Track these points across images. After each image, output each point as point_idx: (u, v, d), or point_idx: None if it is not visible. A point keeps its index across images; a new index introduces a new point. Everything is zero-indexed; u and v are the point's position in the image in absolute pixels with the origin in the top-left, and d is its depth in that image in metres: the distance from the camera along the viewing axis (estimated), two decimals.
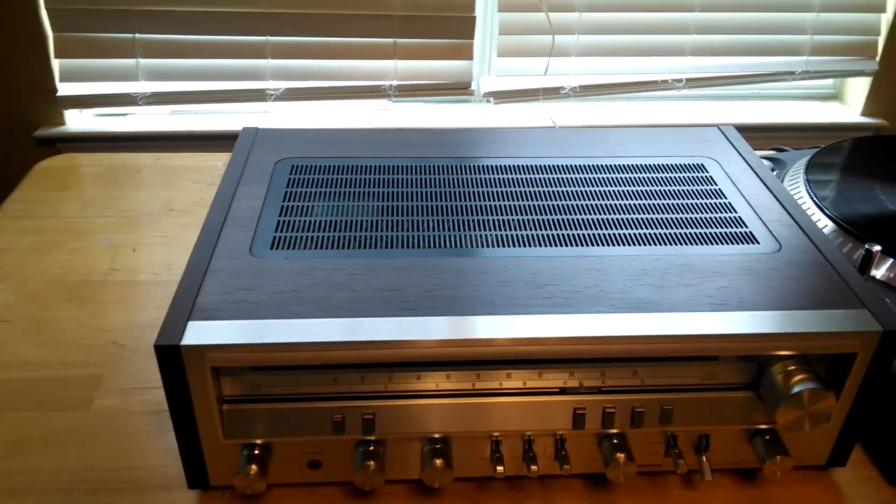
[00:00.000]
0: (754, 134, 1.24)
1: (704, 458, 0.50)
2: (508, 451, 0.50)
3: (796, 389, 0.46)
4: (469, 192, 0.60)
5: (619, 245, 0.54)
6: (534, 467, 0.49)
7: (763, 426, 0.50)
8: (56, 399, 0.58)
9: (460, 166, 0.63)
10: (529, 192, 0.60)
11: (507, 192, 0.60)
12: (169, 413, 0.47)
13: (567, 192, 0.60)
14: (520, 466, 0.51)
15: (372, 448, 0.48)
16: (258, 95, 1.36)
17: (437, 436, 0.49)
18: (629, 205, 0.59)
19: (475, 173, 0.63)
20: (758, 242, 0.55)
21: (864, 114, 1.50)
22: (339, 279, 0.50)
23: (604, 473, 0.50)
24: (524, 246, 0.54)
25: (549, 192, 0.60)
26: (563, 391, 0.48)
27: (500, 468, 0.49)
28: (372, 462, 0.48)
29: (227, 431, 0.47)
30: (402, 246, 0.53)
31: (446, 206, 0.58)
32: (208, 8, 1.29)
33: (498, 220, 0.57)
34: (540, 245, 0.54)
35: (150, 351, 0.62)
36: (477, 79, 1.41)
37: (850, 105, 1.53)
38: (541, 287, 0.49)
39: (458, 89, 1.38)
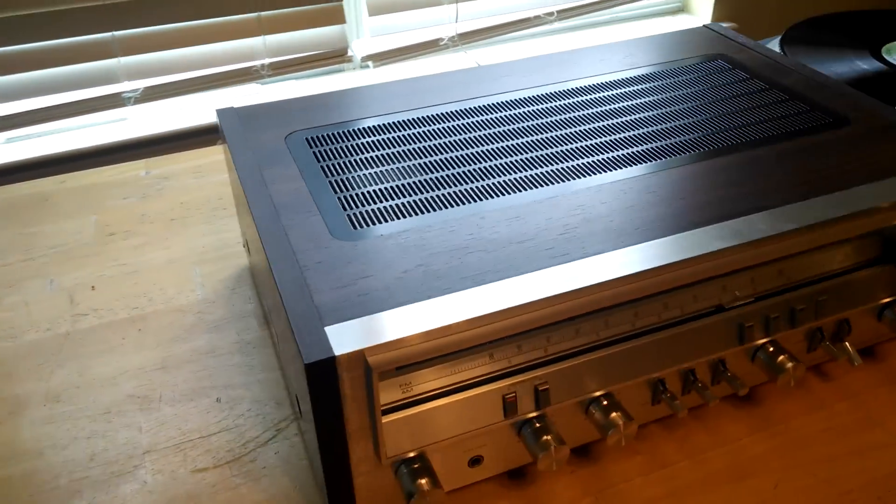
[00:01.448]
0: None
1: (848, 344, 0.49)
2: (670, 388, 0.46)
3: None
4: (495, 132, 0.54)
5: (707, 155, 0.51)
6: (708, 391, 0.45)
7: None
8: None
9: (467, 110, 0.57)
10: (567, 118, 0.55)
11: (532, 125, 0.55)
12: (309, 449, 0.38)
13: (599, 112, 0.56)
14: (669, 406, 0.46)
15: (539, 425, 0.42)
16: (113, 101, 1.18)
17: (598, 393, 0.43)
18: (681, 110, 0.56)
19: (489, 112, 0.57)
20: (829, 120, 0.54)
21: (714, 20, 1.59)
22: (457, 242, 0.43)
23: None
24: (600, 172, 0.49)
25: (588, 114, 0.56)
26: (719, 309, 0.45)
27: (677, 403, 0.45)
28: (549, 437, 0.41)
29: (390, 446, 0.39)
30: (466, 201, 0.46)
31: (477, 152, 0.52)
32: (29, 10, 1.10)
33: (555, 152, 0.51)
34: (624, 167, 0.49)
35: (192, 398, 0.51)
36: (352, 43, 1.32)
37: (697, 14, 1.61)
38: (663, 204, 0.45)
39: (335, 57, 1.29)
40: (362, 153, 0.52)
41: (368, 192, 0.48)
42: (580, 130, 0.54)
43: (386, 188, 0.48)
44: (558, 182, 0.48)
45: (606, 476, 0.45)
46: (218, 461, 0.47)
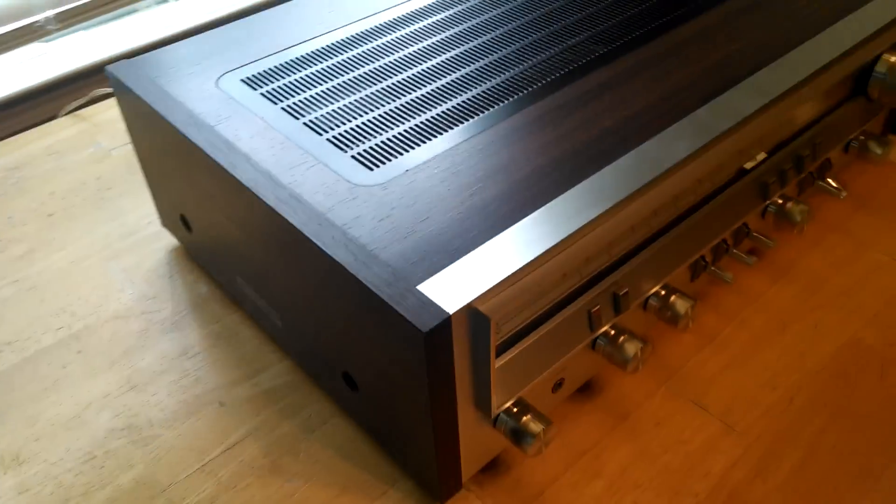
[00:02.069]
0: None
1: (830, 179, 0.51)
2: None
3: None
4: (433, 43, 0.49)
5: None
6: (741, 255, 0.45)
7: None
8: None
9: (386, 24, 0.51)
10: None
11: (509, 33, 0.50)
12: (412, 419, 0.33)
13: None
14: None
15: (614, 332, 0.40)
16: None
17: (658, 286, 0.42)
18: None
19: (407, 24, 0.51)
20: None
21: None
22: (495, 162, 0.38)
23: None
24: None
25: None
26: (741, 174, 0.44)
27: (722, 273, 0.44)
28: (631, 340, 0.39)
29: (499, 395, 0.35)
30: (463, 119, 0.41)
31: (437, 65, 0.47)
32: None
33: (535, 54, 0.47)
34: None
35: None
36: None
37: None
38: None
39: None
40: (317, 84, 0.44)
41: (355, 127, 0.41)
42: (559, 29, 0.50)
43: (372, 119, 0.42)
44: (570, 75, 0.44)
45: (667, 364, 0.44)
46: (256, 471, 0.40)
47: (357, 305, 0.33)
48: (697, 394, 0.43)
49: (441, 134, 0.40)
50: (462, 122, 0.41)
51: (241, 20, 0.51)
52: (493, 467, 0.40)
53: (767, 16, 0.48)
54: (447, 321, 0.30)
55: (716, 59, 0.44)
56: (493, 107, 0.42)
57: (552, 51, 0.46)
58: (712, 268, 0.45)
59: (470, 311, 0.31)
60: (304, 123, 0.41)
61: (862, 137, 0.52)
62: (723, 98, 0.41)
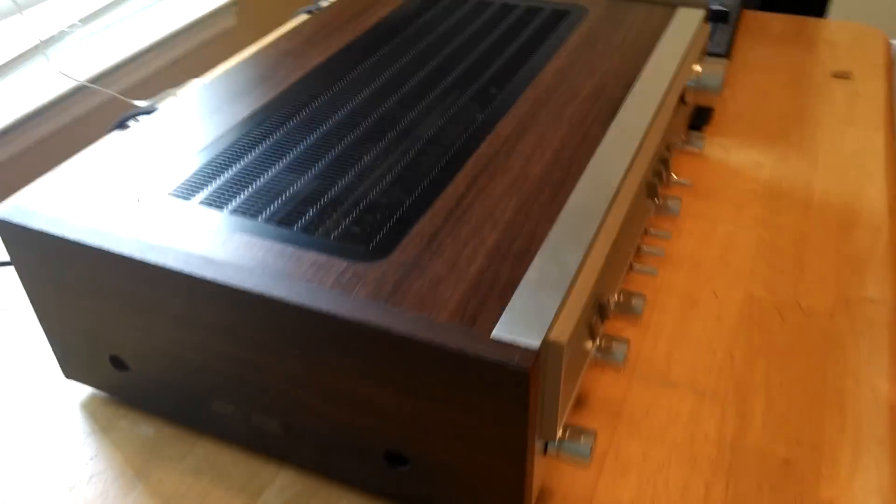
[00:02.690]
0: None
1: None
2: None
3: None
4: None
5: None
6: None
7: None
8: None
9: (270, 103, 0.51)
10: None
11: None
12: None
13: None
14: None
15: (602, 340, 0.44)
16: None
17: None
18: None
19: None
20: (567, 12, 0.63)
21: None
22: (482, 214, 0.40)
23: None
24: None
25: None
26: None
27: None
28: (612, 340, 0.44)
29: (562, 416, 0.37)
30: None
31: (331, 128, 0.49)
32: None
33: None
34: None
35: None
36: None
37: None
38: None
39: None
40: (251, 180, 0.43)
41: (318, 209, 0.41)
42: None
43: (340, 199, 0.42)
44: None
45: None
46: None
47: (423, 373, 0.34)
48: (662, 376, 0.49)
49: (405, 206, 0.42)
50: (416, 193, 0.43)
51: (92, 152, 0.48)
52: (540, 499, 0.42)
53: (596, 54, 0.56)
54: (537, 354, 0.32)
55: (582, 104, 0.51)
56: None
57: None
58: (637, 265, 0.51)
59: (545, 342, 0.33)
60: (264, 220, 0.40)
61: (684, 136, 0.62)
62: (613, 130, 0.48)
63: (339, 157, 0.45)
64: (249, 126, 0.48)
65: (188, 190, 0.43)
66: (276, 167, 0.44)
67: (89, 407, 0.48)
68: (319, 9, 1.01)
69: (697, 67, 0.59)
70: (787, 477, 0.43)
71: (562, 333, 0.33)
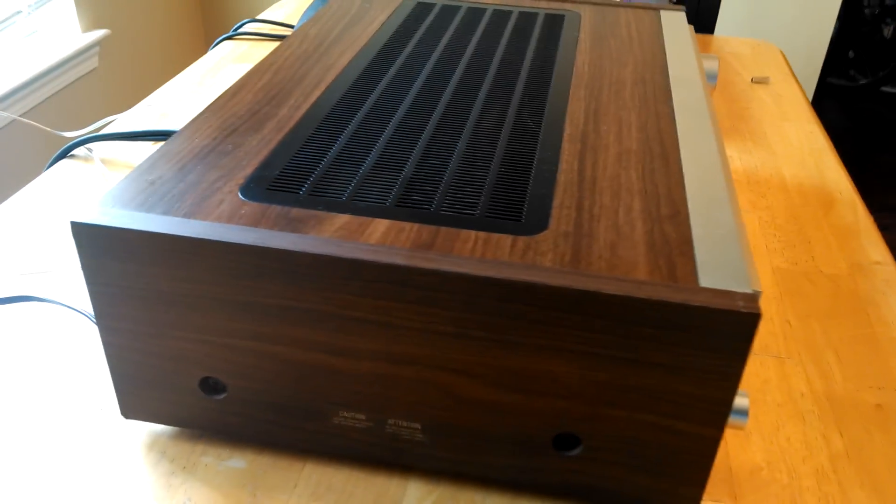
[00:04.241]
0: None
1: None
2: None
3: None
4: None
5: None
6: None
7: None
8: None
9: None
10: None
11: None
12: None
13: None
14: None
15: None
16: None
17: None
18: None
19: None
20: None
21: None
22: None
23: None
24: None
25: None
26: None
27: None
28: None
29: None
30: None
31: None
32: None
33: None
34: None
35: None
36: None
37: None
38: None
39: None
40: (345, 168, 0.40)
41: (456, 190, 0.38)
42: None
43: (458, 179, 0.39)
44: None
45: None
46: None
47: (624, 336, 0.32)
48: None
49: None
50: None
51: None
52: None
53: (615, 48, 0.58)
54: (758, 298, 0.32)
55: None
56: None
57: None
58: None
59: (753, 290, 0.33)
60: (393, 203, 0.37)
61: None
62: (679, 109, 0.49)
63: (433, 143, 0.43)
64: (318, 118, 0.45)
65: (290, 182, 0.39)
66: (374, 154, 0.41)
67: (157, 447, 0.41)
68: (241, 32, 0.97)
69: None
70: (886, 420, 0.45)
71: (755, 283, 0.33)
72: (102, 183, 0.64)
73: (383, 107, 0.47)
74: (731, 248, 0.35)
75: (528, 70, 0.53)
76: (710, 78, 0.62)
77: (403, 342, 0.35)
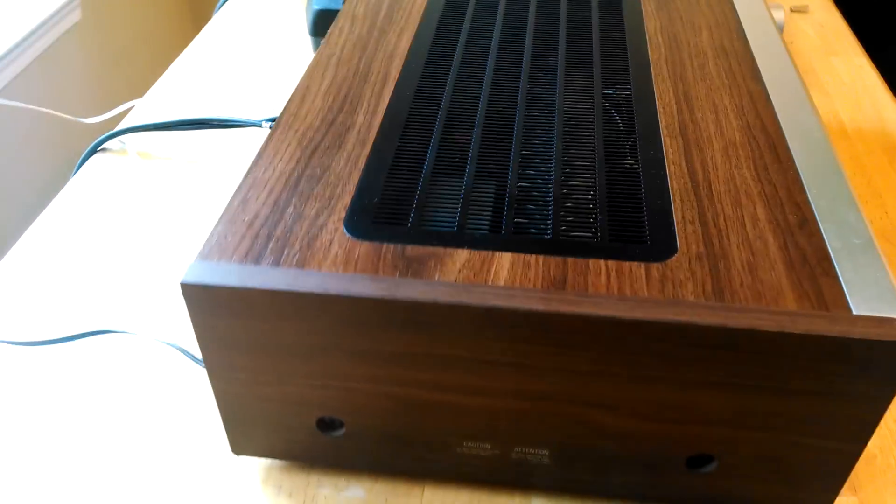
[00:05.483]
0: None
1: None
2: None
3: None
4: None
5: None
6: None
7: None
8: None
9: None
10: None
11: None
12: None
13: None
14: None
15: None
16: None
17: None
18: None
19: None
20: None
21: None
22: None
23: None
24: None
25: None
26: None
27: None
28: None
29: None
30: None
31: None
32: None
33: None
34: None
35: None
36: None
37: None
38: None
39: None
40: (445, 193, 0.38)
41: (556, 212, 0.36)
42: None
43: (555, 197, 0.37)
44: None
45: None
46: None
47: (775, 367, 0.31)
48: None
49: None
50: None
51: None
52: None
53: (681, 8, 0.55)
54: None
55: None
56: None
57: None
58: None
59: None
60: (505, 234, 0.35)
61: None
62: (770, 84, 0.47)
63: (526, 146, 0.41)
64: (399, 124, 0.42)
65: (394, 210, 0.37)
66: (470, 167, 0.39)
67: (272, 481, 0.40)
68: None
69: None
70: None
71: None
72: (144, 180, 0.61)
73: (462, 104, 0.44)
74: (873, 261, 0.33)
75: (600, 44, 0.50)
76: (780, 28, 0.59)
77: (537, 381, 0.34)
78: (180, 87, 0.74)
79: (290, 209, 0.37)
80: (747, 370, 0.32)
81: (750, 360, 0.32)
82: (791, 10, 0.86)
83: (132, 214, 0.58)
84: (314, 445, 0.39)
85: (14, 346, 0.48)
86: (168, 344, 0.46)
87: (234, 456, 0.41)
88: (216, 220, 0.57)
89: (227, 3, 0.90)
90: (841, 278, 0.33)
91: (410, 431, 0.37)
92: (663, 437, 0.35)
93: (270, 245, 0.35)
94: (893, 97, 0.71)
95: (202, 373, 0.46)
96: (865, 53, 0.78)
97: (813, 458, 0.35)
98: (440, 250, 0.34)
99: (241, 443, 0.39)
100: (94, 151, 0.65)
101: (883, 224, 0.57)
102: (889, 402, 0.32)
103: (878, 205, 0.59)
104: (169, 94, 0.72)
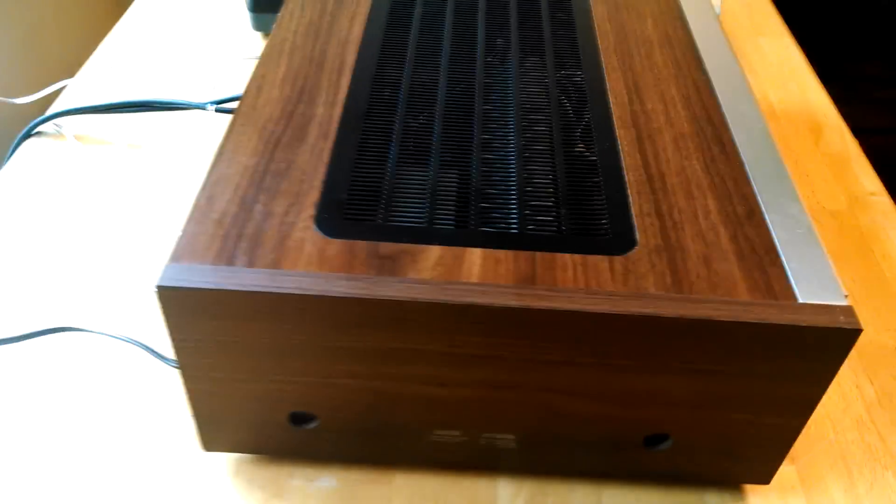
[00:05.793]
0: None
1: None
2: None
3: None
4: None
5: None
6: None
7: None
8: None
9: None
10: None
11: None
12: None
13: None
14: None
15: None
16: None
17: None
18: None
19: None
20: None
21: None
22: None
23: None
24: None
25: None
26: None
27: None
28: None
29: None
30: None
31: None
32: None
33: None
34: None
35: None
36: None
37: None
38: None
39: None
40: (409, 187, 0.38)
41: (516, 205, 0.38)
42: None
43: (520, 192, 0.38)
44: None
45: None
46: None
47: (729, 352, 0.34)
48: None
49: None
50: None
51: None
52: None
53: None
54: (852, 311, 0.33)
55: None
56: None
57: None
58: None
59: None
60: (473, 226, 0.36)
61: None
62: (712, 73, 0.49)
63: (485, 137, 0.41)
64: (359, 115, 0.42)
65: (363, 206, 0.37)
66: (434, 159, 0.40)
67: (243, 475, 0.41)
68: None
69: None
70: None
71: (843, 289, 0.35)
72: (84, 166, 0.60)
73: (419, 92, 0.45)
74: (815, 251, 0.36)
75: (551, 30, 0.51)
76: (717, 13, 0.61)
77: (508, 371, 0.35)
78: (114, 65, 0.71)
79: (259, 206, 0.37)
80: (704, 356, 0.34)
81: (707, 347, 0.34)
82: None
83: (75, 203, 0.56)
84: (286, 439, 0.39)
85: None
86: (130, 341, 0.45)
87: (201, 452, 0.42)
88: (167, 209, 0.56)
89: None
90: (787, 268, 0.35)
91: (382, 422, 0.38)
92: (624, 420, 0.37)
93: (243, 245, 0.35)
94: (817, 77, 0.75)
95: (162, 367, 0.45)
96: (790, 33, 0.82)
97: (759, 433, 0.37)
98: (413, 247, 0.35)
99: (212, 439, 0.40)
100: (27, 135, 0.62)
101: (811, 203, 0.60)
102: (830, 380, 0.35)
103: (805, 183, 0.62)
104: (102, 73, 0.70)
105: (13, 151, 0.61)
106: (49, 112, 0.62)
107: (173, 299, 0.33)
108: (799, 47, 0.80)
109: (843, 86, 2.24)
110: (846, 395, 0.47)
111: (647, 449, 0.39)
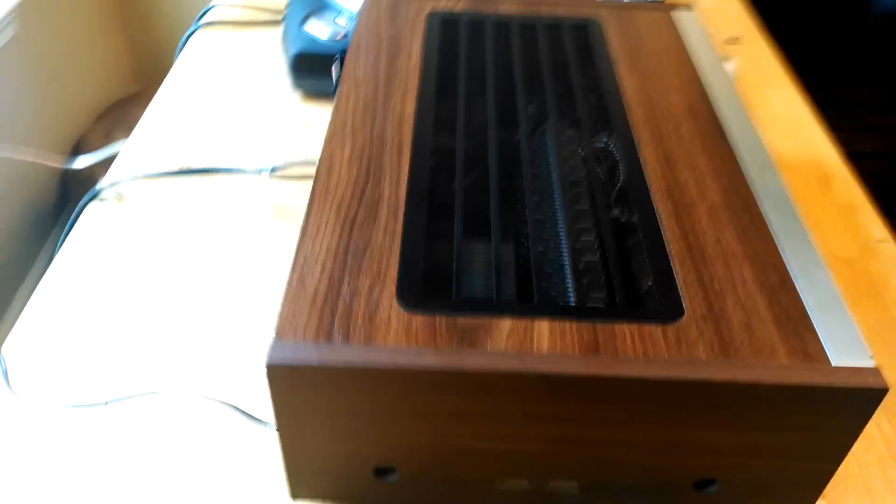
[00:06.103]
0: None
1: None
2: None
3: None
4: None
5: None
6: None
7: None
8: None
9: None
10: None
11: None
12: None
13: None
14: None
15: None
16: None
17: None
18: None
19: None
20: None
21: None
22: None
23: None
24: None
25: None
26: None
27: None
28: None
29: None
30: None
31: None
32: None
33: None
34: None
35: None
36: None
37: None
38: None
39: None
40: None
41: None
42: None
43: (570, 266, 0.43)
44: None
45: None
46: None
47: (771, 410, 0.38)
48: None
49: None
50: None
51: None
52: None
53: (649, 66, 0.61)
54: (879, 372, 0.38)
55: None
56: None
57: None
58: None
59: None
60: (539, 301, 0.41)
61: None
62: (736, 145, 0.54)
63: (537, 210, 0.46)
64: (423, 193, 0.47)
65: (438, 282, 0.41)
66: (495, 235, 0.44)
67: None
68: None
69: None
70: None
71: (869, 351, 0.40)
72: (149, 231, 0.64)
73: (474, 167, 0.50)
74: (843, 317, 0.41)
75: (584, 102, 0.56)
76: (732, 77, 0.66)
77: (574, 429, 0.40)
78: (162, 129, 0.76)
79: (345, 286, 0.41)
80: (749, 413, 0.39)
81: (751, 405, 0.38)
82: (725, 42, 0.95)
83: (146, 268, 0.61)
84: (368, 489, 0.44)
85: (72, 409, 0.50)
86: (221, 402, 0.49)
87: (291, 500, 0.46)
88: (235, 272, 0.60)
89: (191, 38, 0.92)
90: (819, 332, 0.40)
91: (457, 474, 0.42)
92: (676, 468, 0.42)
93: (336, 322, 0.39)
94: (822, 128, 0.80)
95: (248, 424, 0.50)
96: (795, 84, 0.87)
97: (797, 477, 0.42)
98: (486, 321, 0.39)
99: (300, 489, 0.44)
100: (90, 200, 0.66)
101: (823, 252, 0.65)
102: (860, 431, 0.39)
103: (817, 232, 0.67)
104: (153, 138, 0.74)
105: (75, 217, 0.65)
106: (115, 179, 0.67)
107: (280, 375, 0.37)
108: (804, 99, 0.85)
109: (837, 113, 2.31)
110: (868, 434, 0.51)
111: (696, 492, 0.43)
